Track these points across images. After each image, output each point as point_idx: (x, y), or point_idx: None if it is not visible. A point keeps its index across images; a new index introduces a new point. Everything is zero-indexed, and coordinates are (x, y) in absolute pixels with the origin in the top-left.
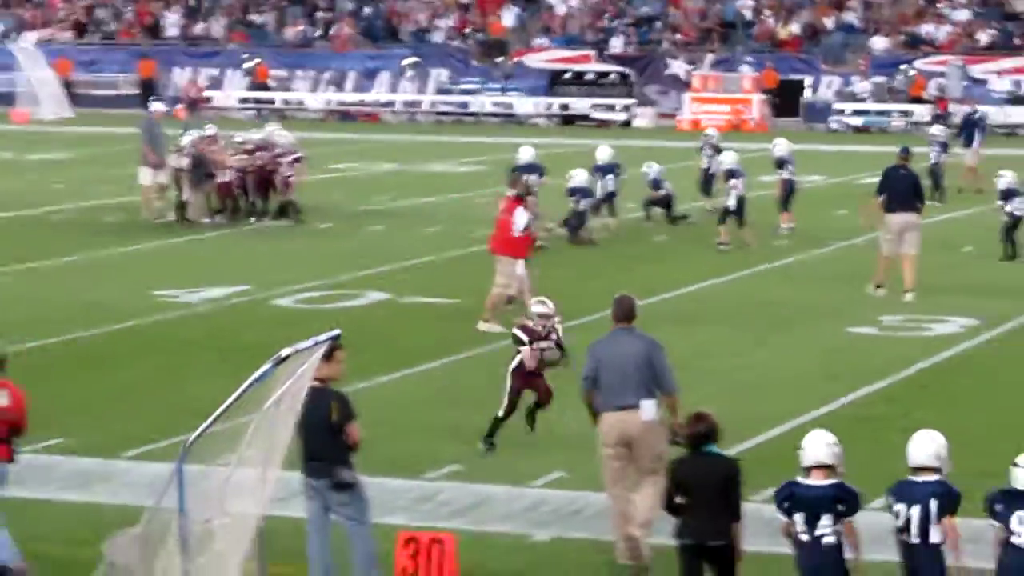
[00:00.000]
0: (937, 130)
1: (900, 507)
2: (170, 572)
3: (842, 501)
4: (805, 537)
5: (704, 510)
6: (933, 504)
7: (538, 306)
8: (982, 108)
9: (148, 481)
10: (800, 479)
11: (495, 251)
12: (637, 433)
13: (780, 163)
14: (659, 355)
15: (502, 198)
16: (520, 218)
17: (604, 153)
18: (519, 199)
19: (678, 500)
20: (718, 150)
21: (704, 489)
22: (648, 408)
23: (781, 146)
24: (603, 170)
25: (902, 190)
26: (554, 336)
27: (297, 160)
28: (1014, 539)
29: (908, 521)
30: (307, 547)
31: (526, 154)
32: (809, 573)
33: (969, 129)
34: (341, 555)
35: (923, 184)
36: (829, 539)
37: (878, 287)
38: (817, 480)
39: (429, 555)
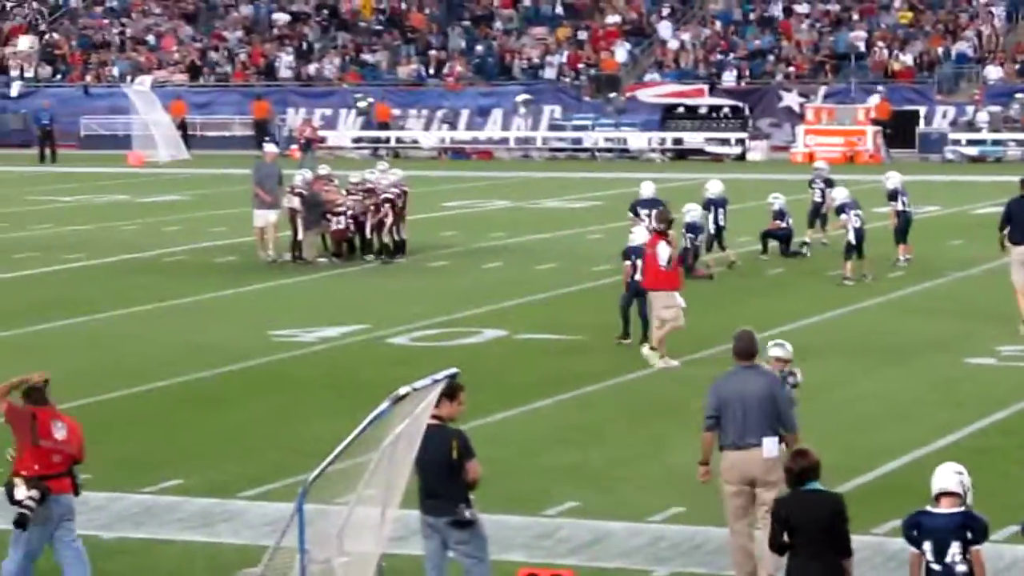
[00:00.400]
0: None
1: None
2: None
3: (970, 529)
4: (936, 567)
5: (811, 548)
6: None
7: (776, 349)
8: None
9: (267, 521)
10: (929, 508)
11: (648, 287)
12: (760, 472)
13: (893, 195)
14: (781, 392)
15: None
16: (663, 252)
17: (716, 187)
18: (661, 234)
19: (784, 539)
20: (830, 183)
21: (810, 527)
22: (770, 446)
23: (894, 179)
24: (715, 203)
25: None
26: (791, 380)
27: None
28: None
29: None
30: None
31: (647, 189)
32: None
33: None
34: None
35: None
36: (960, 567)
37: None
38: (946, 508)
39: None
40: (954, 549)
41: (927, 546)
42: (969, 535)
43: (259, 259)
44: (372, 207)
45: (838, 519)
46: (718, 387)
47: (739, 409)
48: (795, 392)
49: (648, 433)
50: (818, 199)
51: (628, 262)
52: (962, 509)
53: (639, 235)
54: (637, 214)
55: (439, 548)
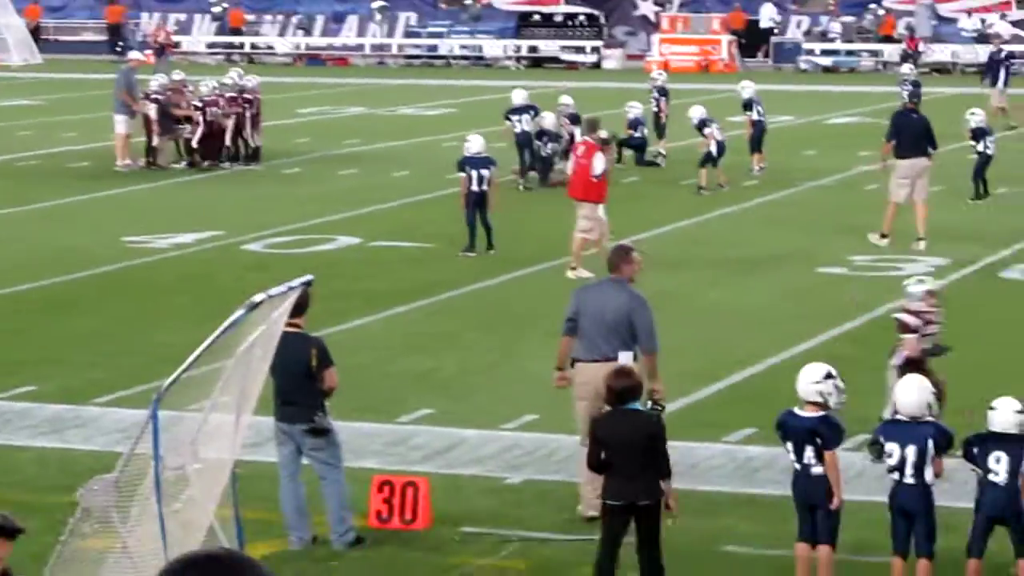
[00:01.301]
0: (907, 69)
1: (892, 446)
2: (145, 518)
3: (821, 436)
4: (796, 466)
5: (629, 468)
6: (930, 444)
7: (917, 286)
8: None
9: (121, 427)
10: (796, 409)
11: (576, 197)
12: None
13: (748, 104)
14: (642, 313)
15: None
16: (598, 163)
17: (568, 98)
18: (599, 144)
19: (603, 458)
20: (665, 92)
21: (627, 447)
22: (625, 359)
23: (748, 88)
24: (572, 118)
25: (913, 135)
26: (936, 319)
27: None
28: (991, 477)
29: (903, 461)
30: (280, 492)
31: (519, 96)
32: (800, 500)
33: (994, 68)
34: (314, 500)
35: None
36: (816, 469)
37: (883, 236)
38: (806, 412)
39: (403, 498)
40: (809, 452)
41: (789, 446)
42: (818, 441)
43: (119, 167)
44: (231, 113)
45: (656, 440)
46: (579, 295)
47: (597, 322)
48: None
49: (501, 341)
50: (655, 109)
51: (463, 173)
52: (820, 414)
53: (474, 144)
54: (510, 120)
55: (293, 454)
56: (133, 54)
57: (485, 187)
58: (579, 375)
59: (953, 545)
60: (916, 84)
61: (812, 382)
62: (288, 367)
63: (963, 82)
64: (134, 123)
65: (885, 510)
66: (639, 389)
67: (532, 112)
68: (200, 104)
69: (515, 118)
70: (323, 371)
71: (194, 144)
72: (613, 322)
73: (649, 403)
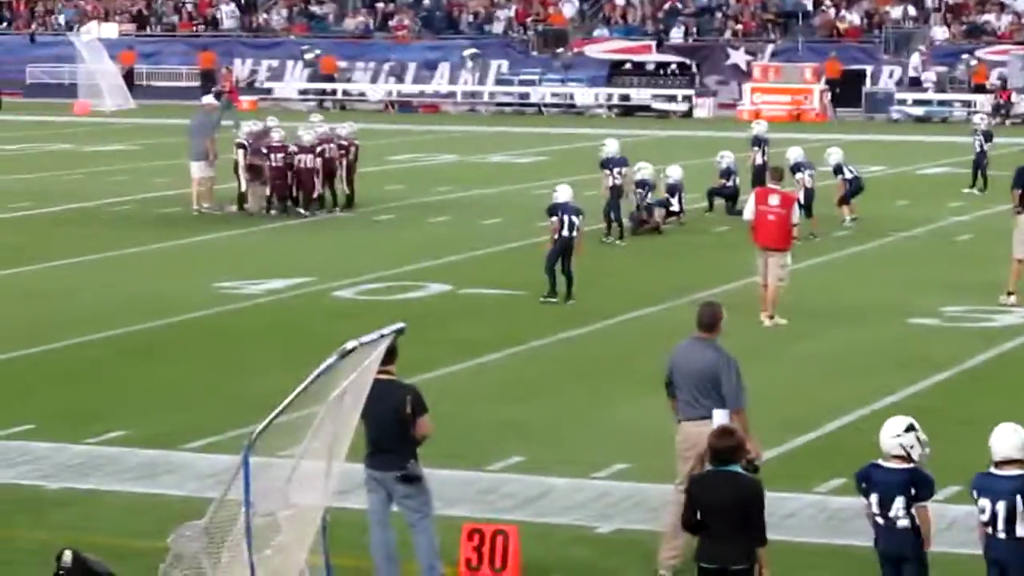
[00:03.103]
0: (978, 119)
1: (985, 502)
2: (235, 564)
3: (915, 485)
4: (879, 520)
5: (723, 531)
6: (1019, 500)
7: None
8: None
9: (213, 473)
10: (881, 461)
11: (768, 245)
12: None
13: (838, 169)
14: (728, 373)
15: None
16: (796, 212)
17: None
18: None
19: (697, 518)
20: (762, 141)
21: (723, 509)
22: (720, 418)
23: (835, 155)
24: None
25: None
26: None
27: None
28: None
29: (995, 516)
30: (370, 539)
31: (612, 147)
32: (886, 554)
33: None
34: (404, 547)
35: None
36: (903, 522)
37: (1010, 294)
38: (894, 464)
39: (493, 546)
40: (898, 504)
41: (873, 498)
42: (913, 491)
43: (198, 211)
44: (320, 160)
45: (753, 505)
46: (673, 354)
47: (689, 381)
48: None
49: (592, 389)
50: (759, 162)
51: (555, 218)
52: (910, 466)
53: (563, 194)
54: (608, 171)
55: (384, 502)
56: (207, 98)
57: (575, 233)
58: (678, 435)
59: None
60: (988, 135)
61: (894, 435)
62: (381, 414)
63: None
64: (214, 167)
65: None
66: (741, 449)
67: (624, 164)
68: (295, 150)
69: (611, 170)
70: (417, 418)
71: (269, 190)
72: (704, 381)
73: (744, 462)
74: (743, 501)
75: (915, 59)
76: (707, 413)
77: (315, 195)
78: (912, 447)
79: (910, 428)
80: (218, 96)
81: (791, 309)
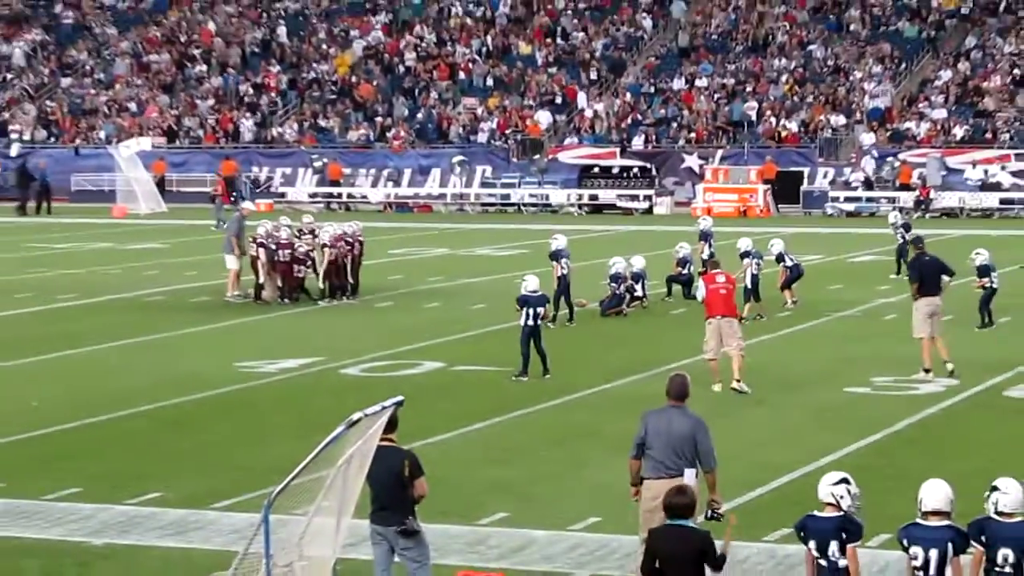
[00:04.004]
0: (893, 217)
1: (917, 549)
2: None
3: (845, 530)
4: (822, 562)
5: None
6: (950, 548)
7: None
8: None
9: (236, 529)
10: (816, 512)
11: (727, 314)
12: None
13: (780, 258)
14: (703, 436)
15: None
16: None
17: (638, 262)
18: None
19: (655, 567)
20: (708, 235)
21: (678, 560)
22: (690, 476)
23: (777, 245)
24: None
25: (931, 275)
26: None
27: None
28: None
29: (927, 562)
30: None
31: (560, 241)
32: None
33: None
34: None
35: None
36: (842, 562)
37: (927, 371)
38: (827, 513)
39: None
40: (833, 547)
41: (812, 544)
42: (844, 535)
43: (227, 298)
44: (333, 253)
45: (704, 555)
46: (648, 419)
47: (663, 443)
48: None
49: (568, 453)
50: (705, 254)
51: (520, 310)
52: (839, 514)
53: (531, 283)
54: (557, 263)
55: (387, 553)
56: (246, 204)
57: (539, 322)
58: (647, 491)
59: None
60: (907, 227)
61: (828, 484)
62: (383, 476)
63: (969, 225)
64: (242, 261)
65: None
66: (692, 508)
67: (568, 256)
68: (308, 247)
69: (558, 261)
70: (414, 480)
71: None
72: (679, 443)
73: (709, 511)
74: (697, 551)
75: (867, 162)
76: (678, 472)
77: (324, 284)
78: (842, 497)
79: (842, 481)
80: (212, 199)
81: (745, 379)
